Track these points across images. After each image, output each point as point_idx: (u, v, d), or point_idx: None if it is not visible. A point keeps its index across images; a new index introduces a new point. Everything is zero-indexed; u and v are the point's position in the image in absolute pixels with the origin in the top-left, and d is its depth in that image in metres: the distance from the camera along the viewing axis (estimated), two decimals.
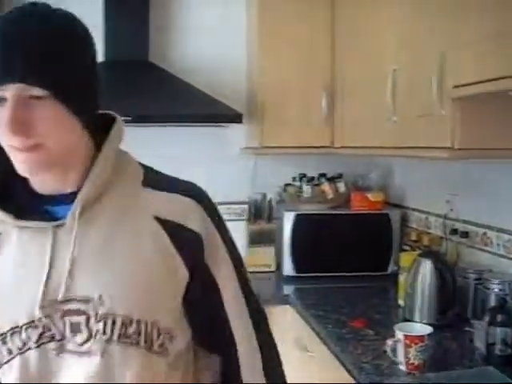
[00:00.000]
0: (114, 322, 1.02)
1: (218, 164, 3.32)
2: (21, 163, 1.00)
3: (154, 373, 1.07)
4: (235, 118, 2.87)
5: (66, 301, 1.02)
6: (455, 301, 2.24)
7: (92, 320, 1.01)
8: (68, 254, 1.02)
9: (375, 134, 2.52)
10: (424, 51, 2.07)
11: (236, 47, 3.26)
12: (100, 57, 2.90)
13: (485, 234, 2.41)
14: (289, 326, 2.65)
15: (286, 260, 3.00)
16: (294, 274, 3.00)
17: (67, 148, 1.02)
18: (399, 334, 1.83)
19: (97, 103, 1.08)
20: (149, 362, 1.05)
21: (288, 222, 2.98)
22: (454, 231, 2.51)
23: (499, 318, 1.87)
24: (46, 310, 1.01)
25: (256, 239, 3.17)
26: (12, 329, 1.03)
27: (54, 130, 0.98)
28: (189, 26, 3.25)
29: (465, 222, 2.52)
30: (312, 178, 3.16)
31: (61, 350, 1.02)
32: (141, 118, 2.79)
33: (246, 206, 3.28)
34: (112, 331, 1.02)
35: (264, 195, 3.26)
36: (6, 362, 1.04)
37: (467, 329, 2.09)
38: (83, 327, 1.02)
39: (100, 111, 1.11)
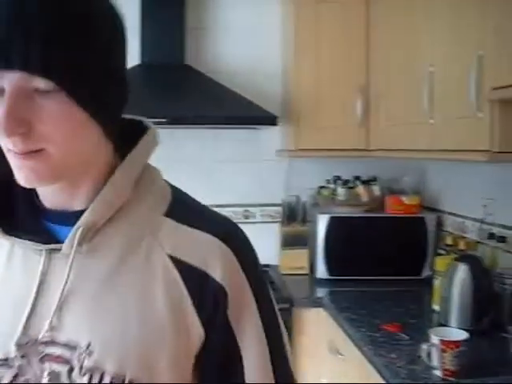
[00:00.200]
0: (101, 378, 0.80)
1: (252, 166, 3.33)
2: (18, 170, 0.80)
3: None
4: (270, 120, 2.87)
5: (48, 342, 0.82)
6: (491, 306, 2.21)
7: (75, 372, 0.81)
8: (60, 285, 0.83)
9: (411, 136, 2.50)
10: (461, 52, 2.04)
11: (271, 49, 3.26)
12: (136, 60, 2.97)
13: None
14: (321, 328, 2.65)
15: (320, 263, 2.99)
16: (328, 277, 2.99)
17: (78, 157, 0.82)
18: (434, 339, 1.81)
19: (122, 105, 0.87)
20: None
21: (322, 224, 2.97)
22: (491, 236, 2.47)
23: None
24: (24, 348, 0.83)
25: (290, 241, 3.17)
26: None
27: (61, 133, 0.77)
28: (224, 27, 3.27)
29: (502, 226, 2.48)
30: (346, 181, 3.15)
31: None
32: (176, 120, 2.81)
33: (279, 209, 3.28)
34: None
35: (298, 198, 3.26)
36: None
37: (504, 335, 2.06)
38: (64, 379, 0.81)
39: (131, 117, 0.93)
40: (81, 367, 0.81)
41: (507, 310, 2.19)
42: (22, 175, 0.80)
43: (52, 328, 0.82)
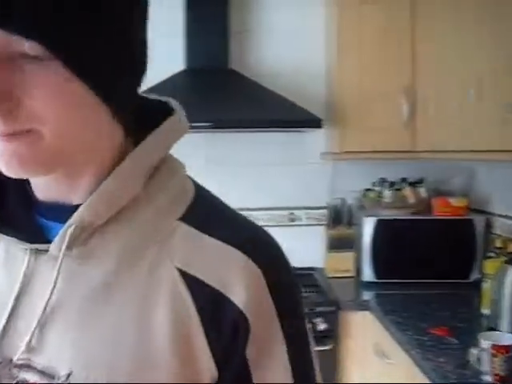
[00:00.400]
0: None
1: (297, 169, 3.33)
2: (2, 156, 0.62)
3: None
4: (315, 123, 2.87)
5: (24, 366, 0.66)
6: None
7: None
8: (45, 294, 0.66)
9: (459, 137, 2.46)
10: (509, 53, 2.01)
11: (315, 51, 3.26)
12: (181, 65, 3.00)
13: None
14: (368, 332, 2.63)
15: (366, 265, 2.97)
16: (374, 280, 2.96)
17: (76, 144, 0.64)
18: (485, 343, 1.78)
19: (137, 80, 0.69)
20: None
21: (368, 227, 2.95)
22: None
23: None
24: None
25: (335, 244, 3.16)
26: None
27: (55, 111, 0.60)
28: (268, 30, 3.28)
29: None
30: (393, 183, 3.12)
31: None
32: (221, 125, 2.84)
33: (325, 211, 3.27)
34: None
35: (344, 200, 3.25)
36: None
37: None
38: None
39: (154, 96, 0.76)
40: None
41: None
42: (8, 162, 0.62)
43: (29, 349, 0.66)
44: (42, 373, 0.66)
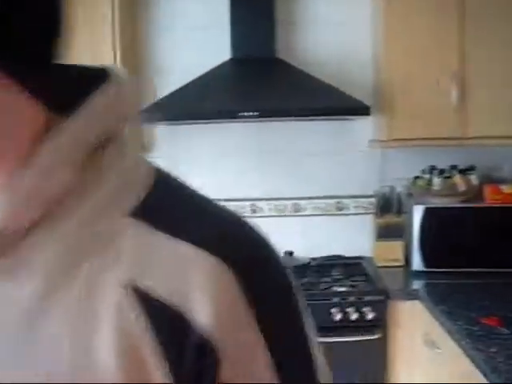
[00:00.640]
0: None
1: (345, 157, 3.31)
2: None
3: None
4: (363, 110, 2.84)
5: None
6: None
7: None
8: None
9: (510, 122, 2.40)
10: None
11: (361, 38, 3.22)
12: (228, 55, 3.01)
13: None
14: (417, 321, 2.60)
15: (415, 254, 2.94)
16: (423, 269, 2.93)
17: None
18: None
19: (49, 40, 0.53)
20: None
21: (417, 215, 2.91)
22: None
23: None
24: None
25: (384, 233, 3.12)
26: None
27: None
28: (314, 19, 3.25)
29: None
30: (442, 171, 3.06)
31: None
32: (268, 114, 2.84)
33: (373, 200, 3.23)
34: None
35: (392, 188, 3.20)
36: None
37: None
38: None
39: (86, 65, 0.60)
40: None
41: None
42: None
43: None
44: None
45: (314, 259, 3.17)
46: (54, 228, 0.51)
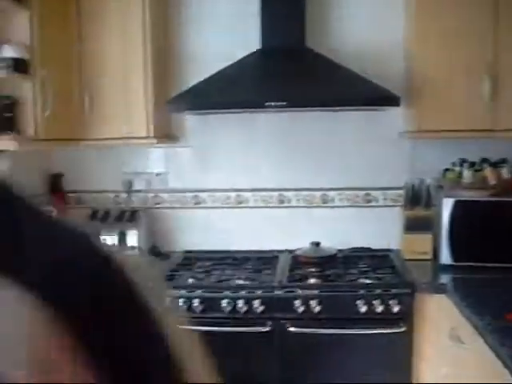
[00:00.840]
0: None
1: (374, 149, 3.28)
2: None
3: None
4: (393, 100, 2.80)
5: None
6: None
7: None
8: None
9: None
10: None
11: (393, 28, 3.17)
12: (257, 45, 3.01)
13: None
14: (444, 315, 2.57)
15: (444, 248, 2.90)
16: (452, 263, 2.89)
17: None
18: None
19: None
20: None
21: (446, 208, 2.87)
22: None
23: None
24: None
25: (412, 226, 3.08)
26: None
27: None
28: (345, 8, 3.22)
29: None
30: (473, 163, 3.01)
31: None
32: (297, 104, 2.82)
33: (402, 192, 3.20)
34: None
35: (422, 181, 3.16)
36: None
37: None
38: None
39: None
40: None
41: None
42: None
43: None
44: None
45: (340, 251, 3.15)
46: None
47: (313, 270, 2.95)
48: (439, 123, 2.85)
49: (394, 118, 3.19)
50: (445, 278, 2.77)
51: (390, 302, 2.62)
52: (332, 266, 2.98)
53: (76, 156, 3.44)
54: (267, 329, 2.67)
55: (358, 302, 2.63)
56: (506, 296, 2.40)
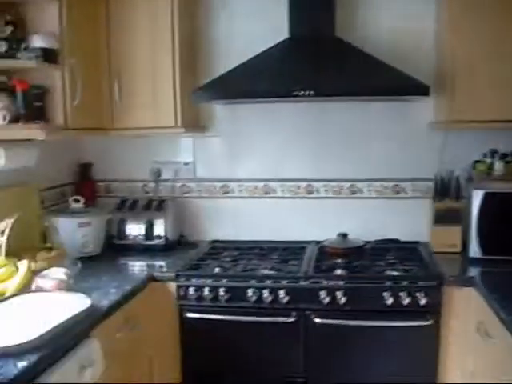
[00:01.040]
0: None
1: (404, 139, 3.24)
2: None
3: None
4: (423, 90, 2.73)
5: None
6: None
7: None
8: None
9: None
10: None
11: (423, 18, 3.11)
12: (285, 34, 2.99)
13: None
14: (471, 309, 2.53)
15: (473, 241, 2.85)
16: (481, 256, 2.84)
17: None
18: None
19: None
20: None
21: (476, 200, 2.82)
22: None
23: None
24: None
25: (441, 218, 3.04)
26: None
27: None
28: None
29: None
30: (505, 155, 2.95)
31: None
32: (325, 92, 2.78)
33: (431, 184, 3.15)
34: None
35: (451, 172, 3.11)
36: None
37: None
38: None
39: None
40: None
41: None
42: None
43: None
44: None
45: (368, 242, 3.12)
46: None
47: (339, 261, 2.93)
48: (471, 113, 2.78)
49: (423, 109, 3.14)
50: (473, 271, 2.72)
51: (417, 294, 2.59)
52: (359, 258, 2.95)
53: (105, 146, 3.48)
54: (292, 319, 2.67)
55: (385, 293, 2.60)
56: None
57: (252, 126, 3.37)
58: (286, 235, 3.38)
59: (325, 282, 2.67)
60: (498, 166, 2.93)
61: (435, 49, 3.11)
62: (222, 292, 2.71)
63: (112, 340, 2.28)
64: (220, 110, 3.39)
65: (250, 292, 2.68)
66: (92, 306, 2.14)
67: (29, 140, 2.64)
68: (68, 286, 2.35)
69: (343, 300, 2.63)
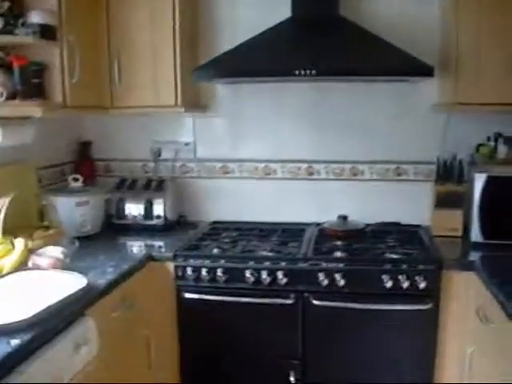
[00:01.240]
0: None
1: (406, 121, 3.21)
2: None
3: None
4: (426, 70, 2.68)
5: None
6: None
7: None
8: None
9: None
10: None
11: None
12: (288, 13, 2.94)
13: None
14: (471, 293, 2.51)
15: (475, 225, 2.83)
16: (482, 241, 2.81)
17: None
18: None
19: None
20: None
21: (479, 184, 2.79)
22: None
23: None
24: None
25: (443, 202, 3.01)
26: None
27: None
28: None
29: None
30: (509, 138, 2.91)
31: None
32: (327, 72, 2.74)
33: (434, 167, 3.12)
34: None
35: (454, 155, 3.08)
36: None
37: None
38: None
39: None
40: None
41: None
42: None
43: None
44: None
45: (369, 225, 3.10)
46: None
47: (339, 243, 2.91)
48: (475, 96, 2.74)
49: (426, 91, 3.11)
50: (474, 256, 2.69)
51: (416, 277, 2.57)
52: (359, 240, 2.93)
53: (105, 124, 3.45)
54: (290, 301, 2.66)
55: (384, 276, 2.58)
56: None
57: (253, 107, 3.34)
58: (285, 217, 3.36)
59: (324, 264, 2.65)
60: (502, 149, 2.90)
61: (440, 30, 3.06)
62: (219, 273, 2.70)
63: (108, 319, 2.27)
64: (221, 90, 3.36)
65: (248, 273, 2.67)
66: (88, 284, 2.13)
67: (27, 118, 2.61)
68: (64, 265, 2.34)
69: (342, 282, 2.61)
